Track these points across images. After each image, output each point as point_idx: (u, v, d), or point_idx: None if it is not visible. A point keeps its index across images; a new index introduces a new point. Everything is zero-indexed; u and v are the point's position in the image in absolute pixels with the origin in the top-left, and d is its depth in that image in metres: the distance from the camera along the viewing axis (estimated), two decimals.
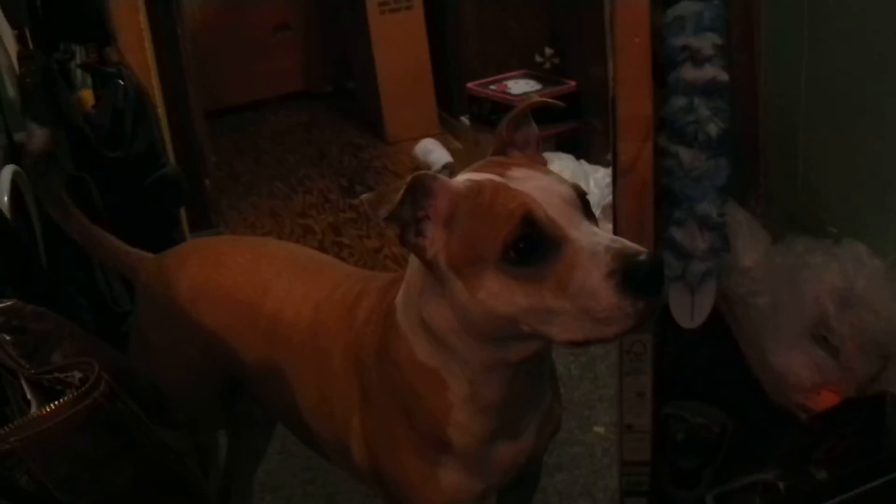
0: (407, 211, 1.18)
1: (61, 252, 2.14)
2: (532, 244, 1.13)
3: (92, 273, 2.30)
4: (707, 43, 1.58)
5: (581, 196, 1.20)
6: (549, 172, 1.24)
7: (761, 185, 2.42)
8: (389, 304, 1.37)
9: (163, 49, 3.18)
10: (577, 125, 3.75)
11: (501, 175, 1.19)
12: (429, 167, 4.24)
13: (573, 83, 3.76)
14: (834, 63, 2.26)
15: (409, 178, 1.15)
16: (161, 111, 2.72)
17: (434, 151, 4.28)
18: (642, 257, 1.09)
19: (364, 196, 1.18)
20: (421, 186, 1.18)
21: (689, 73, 1.59)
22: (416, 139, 4.54)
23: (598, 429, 2.55)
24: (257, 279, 1.65)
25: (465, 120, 4.31)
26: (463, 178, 1.23)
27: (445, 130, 4.80)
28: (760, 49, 2.39)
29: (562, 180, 1.21)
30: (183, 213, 2.83)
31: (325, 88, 5.89)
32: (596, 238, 1.13)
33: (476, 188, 1.19)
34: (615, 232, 1.68)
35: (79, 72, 2.56)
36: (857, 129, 2.23)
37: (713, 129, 1.61)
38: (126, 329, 1.91)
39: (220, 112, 5.28)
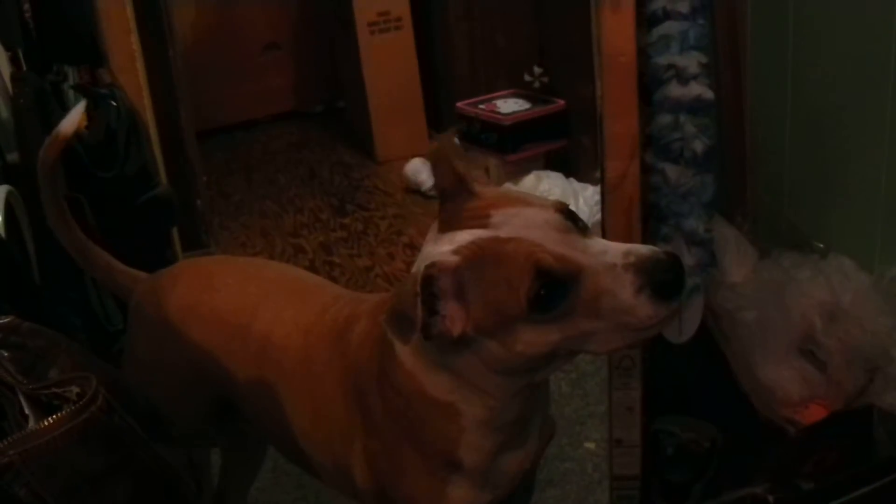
0: (426, 315, 1.16)
1: (55, 272, 2.15)
2: (552, 289, 1.12)
3: (86, 292, 2.32)
4: (692, 61, 1.61)
5: (566, 213, 1.19)
6: (526, 202, 1.21)
7: (748, 201, 2.45)
8: (383, 331, 1.31)
9: (154, 70, 3.20)
10: (565, 143, 3.79)
11: (484, 226, 1.18)
12: (419, 187, 4.27)
13: (562, 102, 3.79)
14: (819, 81, 2.29)
15: (414, 282, 1.14)
16: (153, 132, 2.74)
17: (423, 171, 4.29)
18: (661, 259, 1.11)
19: (385, 321, 1.16)
20: (430, 282, 1.16)
21: (674, 91, 1.62)
22: (407, 158, 4.55)
23: (589, 444, 2.56)
24: (246, 301, 1.65)
25: (455, 140, 4.32)
26: (448, 244, 1.19)
27: None
28: (746, 68, 2.41)
29: (543, 205, 1.20)
30: (175, 232, 2.84)
31: (316, 108, 5.91)
32: (608, 256, 1.13)
33: (472, 254, 1.16)
34: None
35: (71, 93, 2.56)
36: (843, 145, 2.25)
37: (699, 145, 1.64)
38: (119, 348, 1.92)
39: (211, 132, 5.29)
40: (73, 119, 1.79)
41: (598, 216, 2.95)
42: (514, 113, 3.74)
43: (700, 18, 1.60)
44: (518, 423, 1.34)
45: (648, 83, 1.64)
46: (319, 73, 5.80)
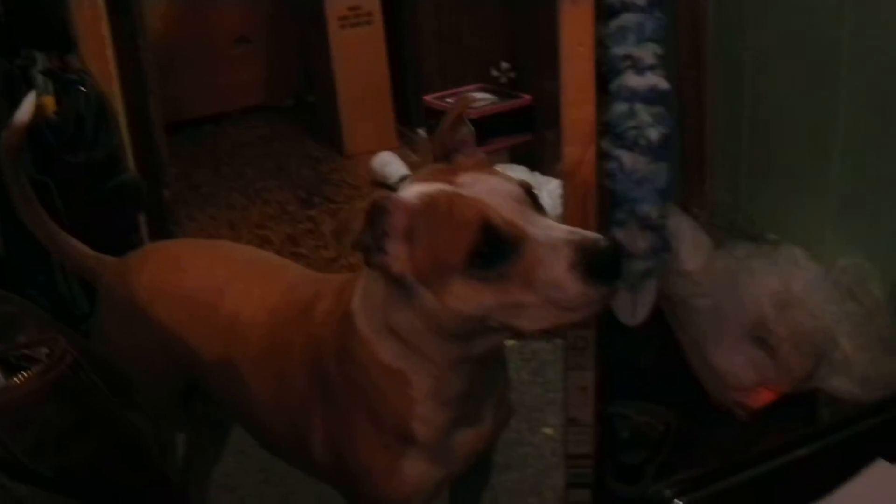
0: (369, 236, 1.22)
1: (22, 255, 2.17)
2: (494, 248, 1.16)
3: (52, 276, 2.33)
4: (648, 52, 1.67)
5: (529, 191, 1.25)
6: (495, 172, 1.28)
7: (706, 193, 2.50)
8: (346, 307, 1.40)
9: (124, 59, 3.20)
10: (531, 137, 3.83)
11: (451, 183, 1.23)
12: (386, 180, 4.29)
13: (528, 97, 3.84)
14: (775, 77, 2.35)
15: (365, 205, 1.19)
16: (122, 119, 2.74)
17: (391, 164, 4.32)
18: (602, 245, 1.14)
19: (327, 229, 1.22)
20: (378, 209, 1.21)
21: (630, 80, 1.67)
22: (375, 152, 4.56)
23: (547, 430, 2.61)
24: (214, 282, 1.69)
25: (422, 133, 4.36)
26: (413, 190, 1.26)
27: (403, 144, 4.84)
28: (707, 62, 2.47)
29: (509, 179, 1.26)
30: (145, 219, 2.85)
31: (286, 102, 5.90)
32: (553, 232, 1.17)
33: (430, 201, 1.22)
34: None
35: (41, 78, 2.57)
36: (797, 141, 2.32)
37: (654, 134, 1.69)
38: (86, 331, 1.94)
39: (181, 124, 5.28)
40: (27, 108, 1.82)
41: (562, 209, 3.00)
42: (480, 107, 3.77)
43: (657, 11, 1.66)
44: (466, 399, 1.38)
45: (606, 73, 1.69)
46: (290, 67, 5.80)
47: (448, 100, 3.97)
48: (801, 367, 2.19)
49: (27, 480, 0.90)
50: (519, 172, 3.34)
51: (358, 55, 4.80)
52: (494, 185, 1.22)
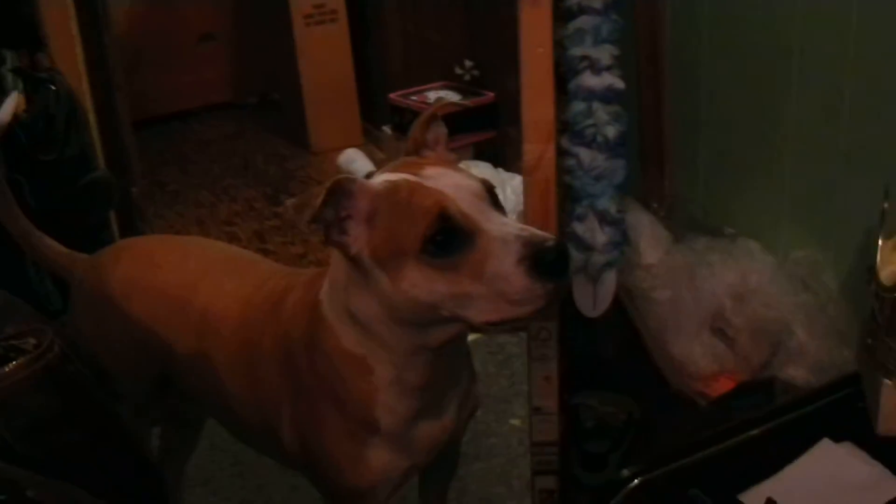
0: (329, 213, 1.26)
1: None
2: (448, 237, 1.21)
3: (26, 273, 2.35)
4: (605, 53, 1.72)
5: (489, 189, 1.30)
6: (460, 169, 1.34)
7: (665, 189, 2.56)
8: (315, 297, 1.44)
9: (90, 57, 3.22)
10: (495, 134, 3.88)
11: (416, 174, 1.28)
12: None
13: (492, 94, 3.87)
14: (730, 75, 2.41)
15: (329, 182, 1.24)
16: (91, 117, 2.77)
17: (357, 161, 4.34)
18: (549, 243, 1.19)
19: (288, 202, 1.26)
20: (341, 189, 1.25)
21: (588, 80, 1.73)
22: (340, 149, 4.59)
23: (514, 421, 2.66)
24: (187, 276, 1.72)
25: (387, 130, 4.39)
26: (381, 178, 1.31)
27: (369, 141, 4.87)
28: (665, 60, 2.52)
29: (471, 176, 1.31)
30: (114, 216, 2.88)
31: (251, 99, 5.90)
32: (506, 228, 1.22)
33: (393, 187, 1.27)
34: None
35: (10, 76, 2.58)
36: (752, 136, 2.38)
37: (611, 131, 1.75)
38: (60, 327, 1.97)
39: (147, 122, 5.26)
40: (8, 109, 1.83)
41: (524, 204, 3.05)
42: (444, 104, 3.80)
43: (613, 14, 1.72)
44: (429, 390, 1.42)
45: (564, 73, 1.75)
46: (255, 64, 5.79)
47: (413, 97, 4.00)
48: (758, 356, 2.26)
49: (22, 464, 0.94)
50: (483, 169, 3.38)
51: (323, 53, 4.82)
52: (456, 180, 1.27)
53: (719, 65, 2.42)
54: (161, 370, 1.76)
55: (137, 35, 5.33)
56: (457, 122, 3.82)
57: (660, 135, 2.48)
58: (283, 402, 1.52)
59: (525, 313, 1.22)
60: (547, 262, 1.18)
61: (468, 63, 3.99)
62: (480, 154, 3.83)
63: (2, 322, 1.09)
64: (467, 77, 4.00)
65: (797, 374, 2.18)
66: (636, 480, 1.27)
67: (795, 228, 2.32)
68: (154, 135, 5.38)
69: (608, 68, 1.72)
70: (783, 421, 1.43)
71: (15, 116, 2.46)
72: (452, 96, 3.90)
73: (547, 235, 1.21)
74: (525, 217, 1.77)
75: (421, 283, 1.24)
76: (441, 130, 1.44)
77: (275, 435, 1.55)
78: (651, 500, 1.28)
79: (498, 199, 1.31)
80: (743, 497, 1.29)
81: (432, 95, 3.95)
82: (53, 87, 2.57)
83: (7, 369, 0.98)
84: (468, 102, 3.72)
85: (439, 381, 1.43)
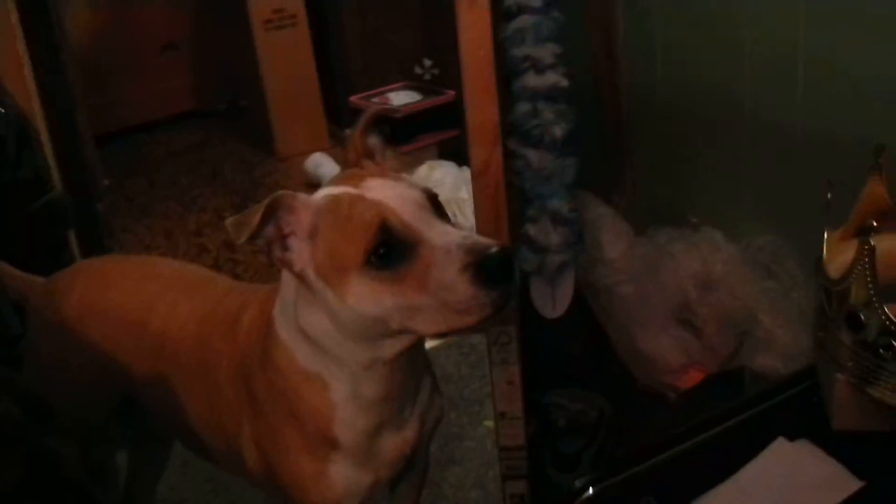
0: (270, 230, 1.25)
1: None
2: (391, 248, 1.20)
3: None
4: (547, 52, 1.69)
5: (432, 198, 1.28)
6: (401, 179, 1.31)
7: (625, 180, 2.54)
8: (269, 314, 1.42)
9: (46, 77, 3.18)
10: (457, 133, 3.84)
11: (357, 186, 1.26)
12: (319, 180, 4.29)
13: (452, 93, 3.85)
14: (686, 66, 2.40)
15: (267, 199, 1.22)
16: (45, 136, 2.73)
17: (324, 165, 4.32)
18: (493, 250, 1.17)
19: (228, 220, 1.24)
20: (280, 205, 1.24)
21: (531, 80, 1.70)
22: (307, 154, 4.57)
23: (488, 423, 2.64)
24: (143, 298, 1.70)
25: (349, 133, 4.35)
26: (322, 192, 1.29)
27: (335, 144, 4.85)
28: (620, 54, 2.50)
29: (413, 185, 1.29)
30: (73, 236, 2.84)
31: (217, 107, 5.86)
32: (448, 237, 1.20)
33: (334, 201, 1.25)
34: (476, 231, 1.77)
35: None
36: (711, 125, 2.37)
37: (558, 131, 1.72)
38: (20, 352, 1.94)
39: (112, 135, 5.23)
40: None
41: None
42: (405, 105, 3.79)
43: (554, 11, 1.69)
44: (388, 403, 1.40)
45: (507, 74, 1.72)
46: (219, 71, 5.76)
47: (374, 99, 3.98)
48: (726, 345, 2.25)
49: None
50: (447, 168, 3.36)
51: (285, 57, 4.79)
52: (398, 191, 1.25)
53: (675, 54, 2.40)
54: (122, 392, 1.74)
55: (98, 48, 5.30)
56: (418, 122, 3.83)
57: (617, 127, 2.46)
58: (242, 422, 1.50)
59: (473, 322, 1.20)
60: (490, 268, 1.16)
61: (427, 62, 3.99)
62: (444, 153, 3.81)
63: None
64: (427, 76, 3.99)
65: (766, 362, 2.18)
66: (590, 490, 1.24)
67: (757, 215, 2.32)
68: (120, 148, 5.34)
69: (551, 66, 1.69)
70: (737, 421, 1.41)
71: None
72: (413, 96, 3.88)
73: (490, 242, 1.19)
74: (476, 221, 1.74)
75: (367, 296, 1.22)
76: (375, 140, 1.43)
77: (238, 456, 1.53)
78: None
79: (442, 208, 1.29)
80: (697, 503, 1.27)
81: (393, 96, 3.93)
82: (2, 110, 2.52)
83: None
84: (425, 102, 3.70)
85: (398, 394, 1.41)
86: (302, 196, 1.28)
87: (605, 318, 2.30)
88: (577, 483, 1.23)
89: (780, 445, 1.36)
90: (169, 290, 1.71)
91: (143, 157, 5.36)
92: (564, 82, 1.71)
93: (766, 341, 2.18)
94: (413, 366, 1.42)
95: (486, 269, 1.16)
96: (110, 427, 1.85)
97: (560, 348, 2.30)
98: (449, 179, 3.28)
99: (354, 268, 1.21)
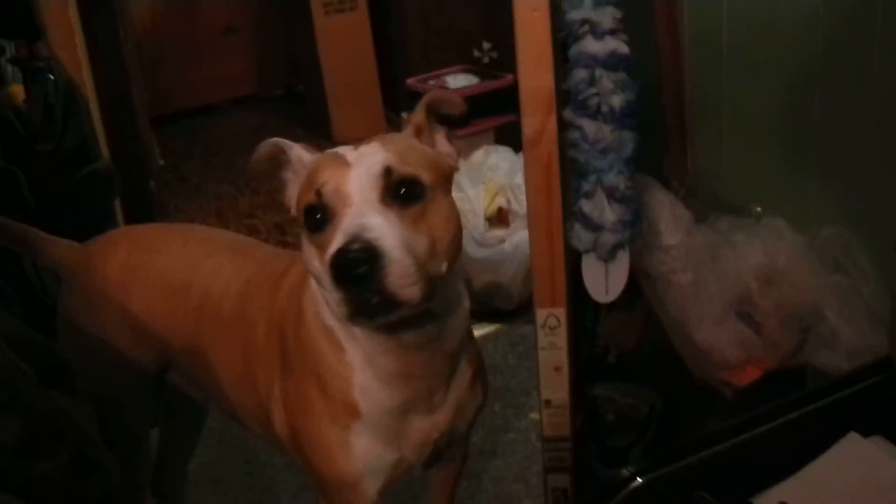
0: (276, 174, 1.35)
1: None
2: (317, 213, 1.20)
3: (21, 265, 2.30)
4: (607, 16, 1.60)
5: (399, 181, 1.20)
6: (379, 152, 1.23)
7: (686, 166, 2.44)
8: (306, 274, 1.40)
9: (101, 49, 3.16)
10: (515, 118, 3.76)
11: (351, 149, 1.25)
12: None
13: (510, 77, 3.77)
14: (754, 45, 2.29)
15: (270, 139, 1.30)
16: (94, 107, 2.70)
17: None
18: (349, 246, 1.11)
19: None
20: (277, 149, 1.34)
21: (589, 46, 1.61)
22: (363, 139, 4.52)
23: (534, 415, 2.57)
24: (189, 261, 1.70)
25: (406, 116, 4.31)
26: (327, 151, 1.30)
27: (392, 129, 4.80)
28: (683, 33, 2.41)
29: (387, 160, 1.21)
30: (119, 209, 2.81)
31: (276, 92, 5.89)
32: (354, 221, 1.15)
33: (314, 159, 1.29)
34: (528, 206, 1.70)
35: (9, 67, 2.54)
36: (777, 109, 2.26)
37: (616, 101, 1.63)
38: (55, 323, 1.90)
39: (171, 116, 5.28)
40: None
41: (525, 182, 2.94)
42: (462, 88, 3.72)
43: None
44: (410, 381, 1.36)
45: (564, 39, 1.64)
46: (279, 56, 5.78)
47: (431, 82, 3.91)
48: (788, 342, 2.14)
49: None
50: (503, 153, 3.28)
51: (344, 42, 4.77)
52: (366, 160, 1.21)
53: (742, 34, 2.30)
54: (159, 359, 1.74)
55: (161, 31, 5.36)
56: (475, 106, 3.75)
57: (680, 109, 2.36)
58: (274, 380, 1.50)
59: (342, 316, 1.16)
60: (340, 267, 1.11)
61: (486, 45, 3.93)
62: (501, 138, 3.73)
63: None
64: (486, 59, 3.94)
65: (830, 360, 2.07)
66: (638, 480, 1.15)
67: (825, 205, 2.20)
68: (178, 129, 5.39)
69: (611, 32, 1.60)
70: (804, 413, 1.29)
71: (13, 107, 2.43)
72: (471, 79, 3.81)
73: (361, 238, 1.12)
74: (527, 195, 1.66)
75: (306, 252, 1.24)
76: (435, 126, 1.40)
77: (268, 418, 1.53)
78: (655, 502, 1.16)
79: (413, 193, 1.21)
80: (756, 501, 1.16)
81: (450, 79, 3.86)
82: (52, 77, 2.51)
83: None
84: (483, 86, 3.63)
85: (421, 373, 1.37)
86: (299, 149, 1.34)
87: (661, 308, 2.20)
88: (626, 471, 1.13)
89: (852, 441, 1.25)
90: (214, 252, 1.72)
91: (200, 140, 5.40)
92: (625, 49, 1.62)
93: (831, 338, 2.07)
94: (436, 347, 1.36)
95: (338, 269, 1.11)
96: (145, 400, 1.81)
97: (613, 338, 2.21)
98: (505, 165, 3.19)
99: (301, 225, 1.23)
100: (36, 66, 2.53)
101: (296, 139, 1.32)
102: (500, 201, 3.15)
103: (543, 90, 1.57)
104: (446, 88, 3.69)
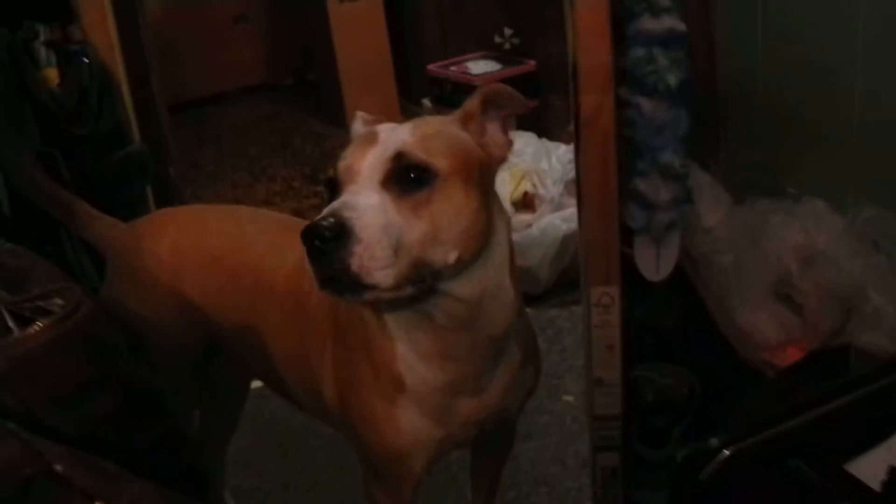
0: None
1: (30, 226, 2.13)
2: (332, 186, 1.24)
3: (61, 247, 2.31)
4: None
5: (405, 167, 1.20)
6: (419, 135, 1.26)
7: (722, 148, 2.45)
8: None
9: (125, 35, 3.16)
10: (537, 103, 3.77)
11: (390, 128, 1.28)
12: None
13: (532, 62, 3.78)
14: (789, 25, 2.30)
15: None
16: (125, 89, 2.72)
17: None
18: (316, 223, 1.13)
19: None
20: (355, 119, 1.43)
21: (647, 24, 1.61)
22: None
23: (568, 398, 2.58)
24: (243, 240, 1.71)
25: (426, 102, 4.31)
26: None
27: (406, 118, 4.79)
28: (716, 17, 2.41)
29: (403, 144, 1.22)
30: (150, 194, 2.83)
31: (287, 80, 5.87)
32: (343, 198, 1.17)
33: (358, 133, 1.35)
34: (578, 185, 1.70)
35: (43, 50, 2.55)
36: (814, 88, 2.27)
37: (672, 78, 1.63)
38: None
39: (181, 105, 5.24)
40: None
41: (572, 174, 2.94)
42: (484, 74, 3.72)
43: None
44: (454, 362, 1.36)
45: (621, 16, 1.64)
46: (289, 45, 5.76)
47: (452, 68, 3.91)
48: (829, 322, 2.14)
49: (48, 435, 0.86)
50: (527, 138, 3.29)
51: (358, 29, 4.75)
52: (386, 139, 1.24)
53: (777, 14, 2.30)
54: (205, 342, 1.74)
55: (171, 19, 5.33)
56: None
57: (713, 90, 2.37)
58: (325, 349, 1.50)
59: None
60: (303, 236, 1.14)
61: (507, 31, 3.91)
62: (523, 124, 3.73)
63: (29, 284, 1.00)
64: (507, 45, 3.92)
65: (873, 340, 2.07)
66: (726, 451, 1.15)
67: (863, 185, 2.21)
68: (189, 118, 5.36)
69: (667, 10, 1.60)
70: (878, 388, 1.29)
71: (49, 90, 2.44)
72: (493, 65, 3.81)
73: (336, 214, 1.14)
74: (582, 173, 1.66)
75: None
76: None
77: (318, 391, 1.54)
78: (745, 473, 1.15)
79: (421, 179, 1.20)
80: (851, 467, 1.16)
81: (471, 65, 3.86)
82: (86, 60, 2.53)
83: (31, 331, 0.90)
84: (504, 72, 3.63)
85: (463, 358, 1.37)
86: (358, 120, 1.44)
87: (703, 288, 2.21)
88: (713, 442, 1.13)
89: None
90: (267, 230, 1.73)
91: (212, 128, 5.38)
92: (682, 27, 1.62)
93: (875, 318, 2.07)
94: (476, 332, 1.35)
95: (302, 236, 1.14)
96: (190, 382, 1.81)
97: (654, 318, 2.21)
98: (529, 150, 3.20)
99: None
100: (70, 49, 2.55)
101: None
102: (526, 186, 3.16)
103: (602, 67, 1.56)
104: (468, 74, 3.70)
